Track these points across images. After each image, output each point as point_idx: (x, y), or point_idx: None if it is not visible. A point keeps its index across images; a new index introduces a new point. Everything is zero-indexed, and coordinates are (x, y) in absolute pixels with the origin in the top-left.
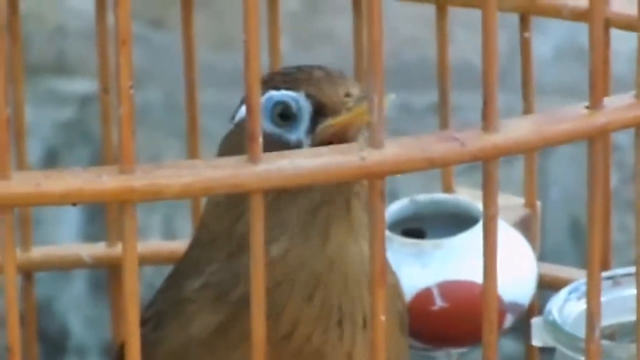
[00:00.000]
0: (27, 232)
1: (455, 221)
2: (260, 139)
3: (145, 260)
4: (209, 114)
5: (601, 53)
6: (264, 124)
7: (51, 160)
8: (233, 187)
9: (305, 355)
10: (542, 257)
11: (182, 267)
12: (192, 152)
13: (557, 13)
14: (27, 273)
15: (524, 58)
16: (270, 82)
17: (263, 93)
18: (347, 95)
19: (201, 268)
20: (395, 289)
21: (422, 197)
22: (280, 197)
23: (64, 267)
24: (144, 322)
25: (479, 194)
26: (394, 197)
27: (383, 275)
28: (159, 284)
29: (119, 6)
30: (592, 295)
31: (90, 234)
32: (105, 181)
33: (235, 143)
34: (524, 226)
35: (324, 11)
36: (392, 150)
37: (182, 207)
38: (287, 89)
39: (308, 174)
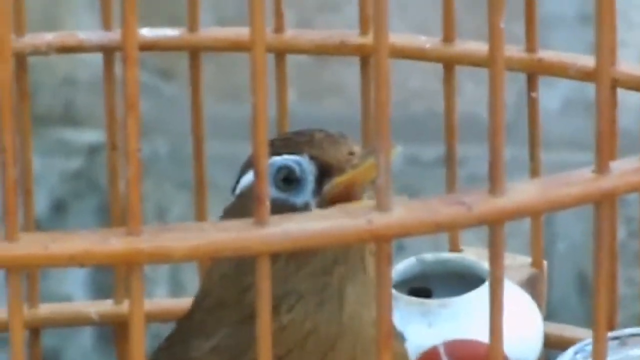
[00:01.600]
0: (34, 288)
1: (461, 281)
2: (267, 203)
3: (152, 318)
4: (216, 165)
5: (608, 115)
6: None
7: (58, 210)
8: (240, 250)
9: None
10: (548, 310)
11: (187, 328)
12: (199, 205)
13: (564, 72)
14: (34, 330)
15: (531, 118)
16: (271, 148)
17: None
18: (351, 153)
19: (209, 330)
20: (404, 358)
21: (429, 257)
22: (291, 262)
23: (71, 323)
24: None
25: (485, 253)
26: (402, 251)
27: (389, 338)
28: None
29: (127, 69)
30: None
31: (98, 284)
32: (112, 243)
33: (237, 216)
34: (531, 285)
35: (332, 62)
36: (399, 213)
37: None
38: (289, 153)
39: (315, 237)
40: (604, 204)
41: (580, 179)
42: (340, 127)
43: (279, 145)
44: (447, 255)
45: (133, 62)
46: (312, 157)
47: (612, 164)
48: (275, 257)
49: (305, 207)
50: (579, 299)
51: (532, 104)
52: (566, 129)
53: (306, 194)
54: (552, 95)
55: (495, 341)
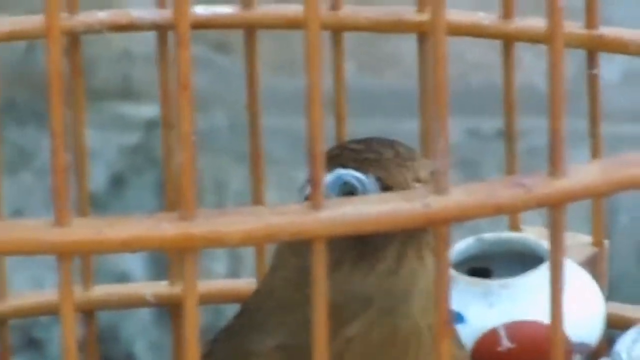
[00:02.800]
0: (88, 270)
1: (521, 260)
2: (323, 186)
3: (209, 299)
4: (274, 138)
5: None
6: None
7: (117, 185)
8: (296, 234)
9: None
10: (608, 284)
11: (246, 323)
12: (256, 179)
13: (624, 48)
14: (89, 312)
15: (592, 95)
16: (339, 158)
17: (331, 169)
18: (416, 180)
19: (270, 329)
20: None
21: (489, 236)
22: (357, 267)
23: (125, 305)
24: None
25: (545, 232)
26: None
27: (447, 324)
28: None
29: (180, 50)
30: None
31: (156, 261)
32: (165, 229)
33: None
34: (592, 265)
35: (390, 35)
36: (457, 196)
37: None
38: (355, 168)
39: (372, 221)
40: None
41: None
42: (398, 99)
43: (348, 158)
44: (507, 234)
45: (185, 43)
46: (377, 178)
47: None
48: (339, 263)
49: None
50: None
51: (593, 81)
52: (627, 101)
53: None
54: (612, 67)
55: (555, 328)
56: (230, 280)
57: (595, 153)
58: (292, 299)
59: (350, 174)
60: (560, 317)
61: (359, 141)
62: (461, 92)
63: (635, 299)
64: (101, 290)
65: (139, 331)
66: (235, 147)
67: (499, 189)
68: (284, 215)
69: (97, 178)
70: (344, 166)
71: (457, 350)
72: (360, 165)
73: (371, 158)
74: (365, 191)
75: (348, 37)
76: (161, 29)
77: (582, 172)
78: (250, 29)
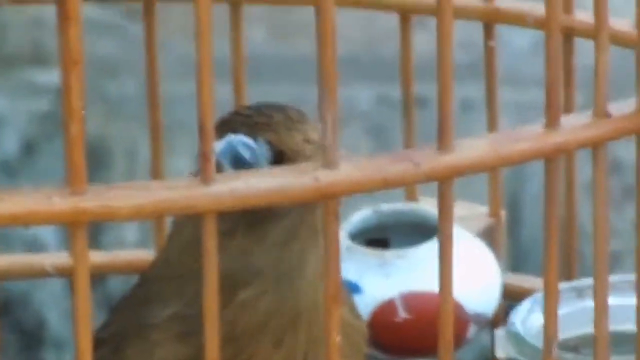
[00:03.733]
0: None
1: (419, 231)
2: (213, 161)
3: (119, 270)
4: (186, 105)
5: (558, 68)
6: (224, 167)
7: (28, 151)
8: (186, 209)
9: None
10: (518, 251)
11: (144, 293)
12: (155, 147)
13: (521, 21)
14: None
15: (489, 68)
16: (230, 123)
17: (222, 135)
18: (307, 141)
19: (167, 298)
20: (361, 332)
21: (386, 207)
22: (248, 236)
23: (26, 276)
24: (101, 342)
25: None
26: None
27: (337, 296)
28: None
29: (68, 26)
30: (549, 318)
31: None
32: (56, 203)
33: None
34: (488, 236)
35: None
36: (347, 170)
37: None
38: (245, 133)
39: (261, 195)
40: (554, 159)
41: (531, 135)
42: (306, 67)
43: (239, 123)
44: (403, 205)
45: (75, 21)
46: (267, 142)
47: (563, 118)
48: (232, 232)
49: None
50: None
51: (490, 53)
52: (536, 68)
53: None
54: (523, 35)
55: (445, 300)
56: (139, 250)
57: (491, 126)
58: (188, 268)
59: (240, 140)
60: (449, 293)
61: (250, 107)
62: (371, 59)
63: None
64: (3, 260)
65: (51, 299)
66: (145, 114)
67: (387, 164)
68: (174, 190)
69: (9, 145)
70: (235, 131)
71: (355, 320)
72: (250, 129)
73: (261, 122)
74: (255, 157)
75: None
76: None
77: (471, 147)
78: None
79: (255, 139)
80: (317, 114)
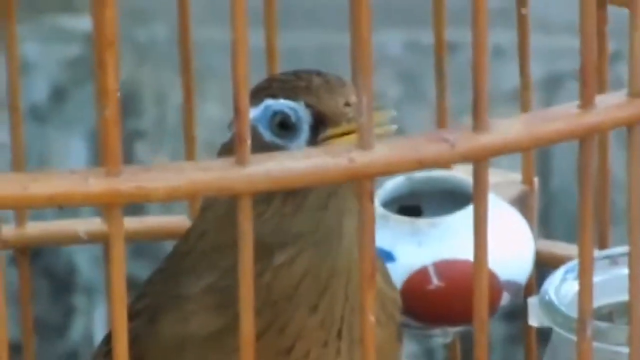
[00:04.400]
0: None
1: (452, 198)
2: (249, 142)
3: (143, 236)
4: (215, 50)
5: (593, 48)
6: (263, 133)
7: (58, 97)
8: (221, 190)
9: None
10: (549, 198)
11: (178, 265)
12: (187, 90)
13: None
14: (22, 249)
15: (521, 36)
16: (268, 89)
17: (260, 101)
18: (347, 104)
19: (201, 272)
20: (395, 302)
21: (419, 175)
22: (287, 202)
23: (60, 243)
24: (135, 314)
25: None
26: None
27: (373, 276)
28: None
29: (104, 6)
30: (584, 295)
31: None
32: (92, 184)
33: (232, 154)
34: (521, 203)
35: None
36: (381, 151)
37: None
38: (285, 98)
39: (296, 176)
40: (588, 140)
41: (565, 114)
42: (337, 14)
43: (277, 88)
44: (436, 173)
45: (110, 2)
46: (308, 105)
47: (597, 98)
48: (270, 198)
49: None
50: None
51: (522, 21)
52: (566, 14)
53: (300, 141)
54: None
55: (479, 284)
56: (164, 217)
57: (524, 106)
58: (223, 241)
59: (280, 103)
60: (485, 275)
61: (287, 73)
62: (400, 3)
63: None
64: (35, 228)
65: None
66: (175, 59)
67: (422, 144)
68: (209, 171)
69: (39, 91)
70: (274, 97)
71: (388, 289)
72: (289, 93)
73: (301, 86)
74: (298, 119)
75: None
76: None
77: (505, 127)
78: None
79: (295, 102)
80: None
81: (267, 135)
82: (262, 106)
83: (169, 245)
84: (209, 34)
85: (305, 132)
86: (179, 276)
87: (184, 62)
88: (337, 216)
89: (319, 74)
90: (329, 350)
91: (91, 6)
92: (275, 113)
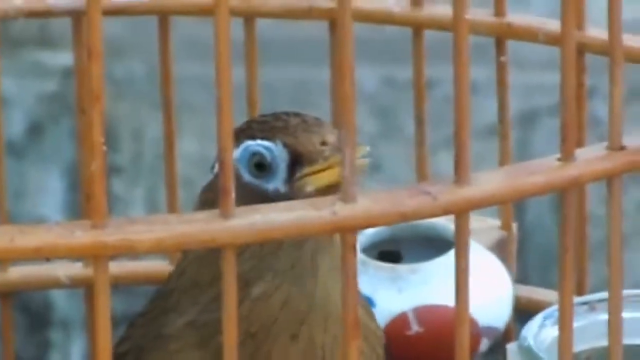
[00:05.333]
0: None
1: (432, 244)
2: (233, 195)
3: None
4: (192, 85)
5: (572, 103)
6: (243, 174)
7: (34, 132)
8: (205, 243)
9: None
10: (522, 232)
11: (160, 305)
12: (168, 129)
13: (532, 37)
14: (5, 294)
15: (500, 83)
16: (248, 130)
17: (240, 142)
18: (324, 143)
19: (183, 308)
20: (376, 334)
21: None
22: (264, 244)
23: (41, 287)
24: (121, 356)
25: None
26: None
27: (357, 326)
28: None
29: (92, 64)
30: (564, 345)
31: (74, 204)
32: (78, 237)
33: (215, 193)
34: (500, 248)
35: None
36: (364, 204)
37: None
38: (263, 138)
39: (280, 229)
40: (569, 192)
41: (546, 168)
42: (314, 49)
43: (255, 129)
44: None
45: (98, 57)
46: (285, 145)
47: (577, 151)
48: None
49: (276, 193)
50: (554, 219)
51: (501, 68)
52: (544, 50)
53: (277, 181)
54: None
55: (461, 328)
56: (146, 262)
57: (503, 158)
58: (203, 277)
59: (258, 144)
60: (465, 324)
61: (266, 115)
62: (376, 40)
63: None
64: (17, 272)
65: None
66: (152, 94)
67: (405, 197)
68: (194, 224)
69: (16, 125)
70: (253, 138)
71: (370, 322)
72: (267, 134)
73: (278, 126)
74: (274, 159)
75: None
76: (76, 15)
77: (486, 180)
78: (163, 17)
79: (273, 142)
80: (329, 94)
81: (246, 177)
82: (241, 147)
83: None
84: (186, 69)
85: (282, 172)
86: (162, 316)
87: (165, 98)
88: (312, 254)
89: (297, 114)
90: None
91: (78, 60)
92: (253, 154)
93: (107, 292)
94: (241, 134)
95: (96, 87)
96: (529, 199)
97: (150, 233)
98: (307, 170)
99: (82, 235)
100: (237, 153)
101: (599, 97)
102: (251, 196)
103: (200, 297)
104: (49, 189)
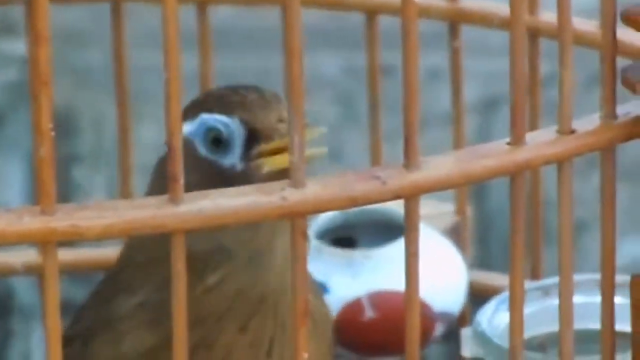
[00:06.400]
0: None
1: (386, 229)
2: (182, 181)
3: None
4: (152, 75)
5: (521, 87)
6: (198, 148)
7: None
8: (155, 228)
9: None
10: (486, 223)
11: (111, 285)
12: (122, 116)
13: (487, 21)
14: None
15: (454, 68)
16: (204, 104)
17: (196, 115)
18: (281, 120)
19: (135, 288)
20: (327, 317)
21: None
22: None
23: None
24: (69, 340)
25: None
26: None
27: (306, 313)
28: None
29: (38, 46)
30: (515, 329)
31: (34, 192)
32: (26, 222)
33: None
34: (454, 233)
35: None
36: (314, 189)
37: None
38: (220, 112)
39: (230, 214)
40: (519, 176)
41: (496, 151)
42: (272, 37)
43: (212, 103)
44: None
45: (44, 41)
46: (242, 120)
47: (528, 135)
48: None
49: (231, 169)
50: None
51: (455, 53)
52: (504, 38)
53: (234, 157)
54: None
55: (411, 317)
56: (98, 249)
57: (457, 143)
58: (157, 254)
59: (214, 119)
60: (415, 312)
61: (223, 87)
62: (338, 27)
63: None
64: None
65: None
66: (111, 83)
67: (354, 182)
68: (143, 210)
69: None
70: (209, 111)
71: (320, 306)
72: (224, 109)
73: (235, 101)
74: (231, 134)
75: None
76: (28, 1)
77: (436, 165)
78: (116, 3)
79: (229, 117)
80: (284, 86)
81: (202, 150)
82: (197, 120)
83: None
84: (148, 59)
85: (238, 147)
86: (112, 296)
87: (119, 87)
88: (269, 235)
89: (255, 89)
90: None
91: (30, 46)
92: (209, 128)
93: (56, 278)
94: (198, 107)
95: (44, 72)
96: (489, 185)
97: (99, 219)
98: (263, 147)
99: (30, 221)
100: (193, 126)
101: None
102: (207, 170)
103: (154, 275)
104: (9, 178)
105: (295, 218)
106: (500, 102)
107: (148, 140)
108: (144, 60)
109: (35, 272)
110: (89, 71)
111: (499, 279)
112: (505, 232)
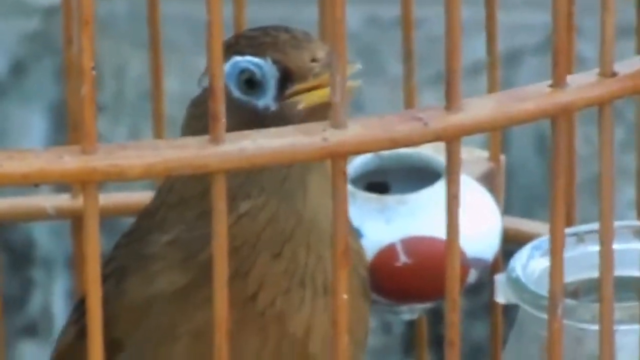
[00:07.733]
0: None
1: (419, 175)
2: (223, 120)
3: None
4: (176, 25)
5: (564, 29)
6: (232, 90)
7: (17, 72)
8: (195, 168)
9: (267, 319)
10: (507, 171)
11: (145, 224)
12: (155, 65)
13: None
14: None
15: (489, 15)
16: (236, 46)
17: (228, 58)
18: (314, 60)
19: (168, 226)
20: (358, 254)
21: (387, 151)
22: None
23: (27, 218)
24: (105, 278)
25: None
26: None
27: (347, 255)
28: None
29: None
30: (555, 276)
31: (57, 142)
32: (66, 162)
33: (203, 109)
34: (488, 180)
35: None
36: (355, 130)
37: (148, 117)
38: (252, 54)
39: (270, 155)
40: (560, 119)
41: (537, 94)
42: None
43: (244, 45)
44: (404, 150)
45: None
46: (274, 61)
47: (569, 78)
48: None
49: (265, 110)
50: (538, 160)
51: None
52: None
53: (267, 98)
54: None
55: (452, 258)
56: (130, 193)
57: (492, 88)
58: (189, 193)
59: (247, 60)
60: (456, 253)
61: (255, 29)
62: None
63: (534, 187)
64: (3, 204)
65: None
66: (134, 33)
67: (395, 123)
68: (184, 149)
69: None
70: (241, 53)
71: (353, 242)
72: (256, 50)
73: (267, 42)
74: (264, 76)
75: None
76: None
77: (477, 107)
78: None
79: (262, 58)
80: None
81: (235, 93)
82: (230, 63)
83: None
84: (169, 8)
85: (272, 88)
86: (146, 235)
87: (152, 38)
88: (301, 173)
89: (286, 30)
90: (292, 298)
91: None
92: (242, 70)
93: (97, 219)
94: (229, 49)
95: (86, 12)
96: (510, 137)
97: (140, 159)
98: (297, 87)
99: (71, 161)
100: (225, 68)
101: (584, 38)
102: (241, 112)
103: (186, 212)
104: (32, 128)
105: (336, 159)
106: (523, 55)
107: (172, 91)
108: (167, 10)
109: (67, 216)
110: (112, 20)
111: (530, 226)
112: (526, 185)
